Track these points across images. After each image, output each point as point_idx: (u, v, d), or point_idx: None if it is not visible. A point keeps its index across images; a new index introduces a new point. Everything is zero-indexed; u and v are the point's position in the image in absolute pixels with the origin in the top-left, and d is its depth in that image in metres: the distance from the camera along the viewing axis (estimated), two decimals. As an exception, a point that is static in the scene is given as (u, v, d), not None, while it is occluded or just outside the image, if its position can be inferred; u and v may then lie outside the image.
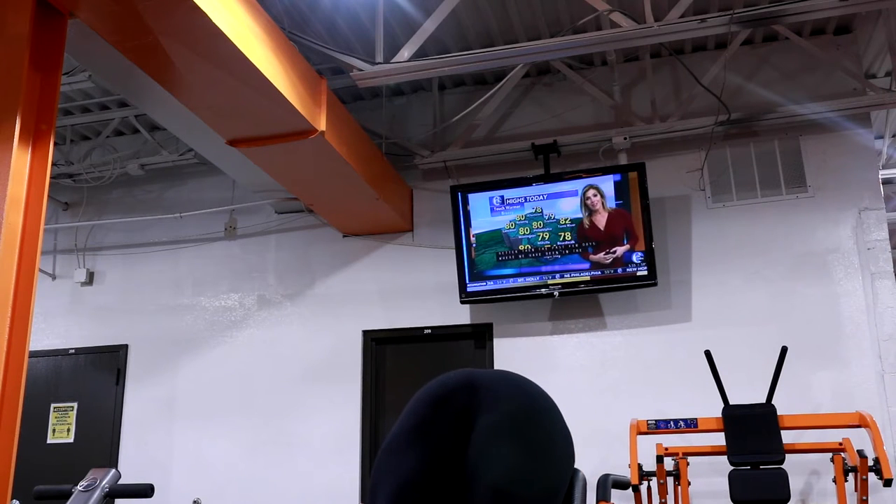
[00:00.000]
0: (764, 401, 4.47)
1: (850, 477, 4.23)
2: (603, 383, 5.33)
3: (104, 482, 2.65)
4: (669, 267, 5.40)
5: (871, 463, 4.10)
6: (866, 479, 4.09)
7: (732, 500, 4.22)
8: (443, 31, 5.16)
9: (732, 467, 4.28)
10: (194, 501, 5.69)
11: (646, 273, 5.12)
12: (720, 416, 4.43)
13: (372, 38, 4.84)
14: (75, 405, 6.29)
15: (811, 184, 5.34)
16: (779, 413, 4.36)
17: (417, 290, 5.83)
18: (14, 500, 3.05)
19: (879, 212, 5.17)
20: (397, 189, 5.78)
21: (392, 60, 4.66)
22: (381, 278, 5.92)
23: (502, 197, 5.43)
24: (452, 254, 5.53)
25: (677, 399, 5.12)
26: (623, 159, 5.47)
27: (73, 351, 6.42)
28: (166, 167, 6.45)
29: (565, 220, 5.30)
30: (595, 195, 5.25)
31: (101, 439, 6.15)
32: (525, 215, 5.37)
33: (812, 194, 5.33)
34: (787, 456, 4.29)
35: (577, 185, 5.31)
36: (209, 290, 6.27)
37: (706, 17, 4.40)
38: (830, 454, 4.32)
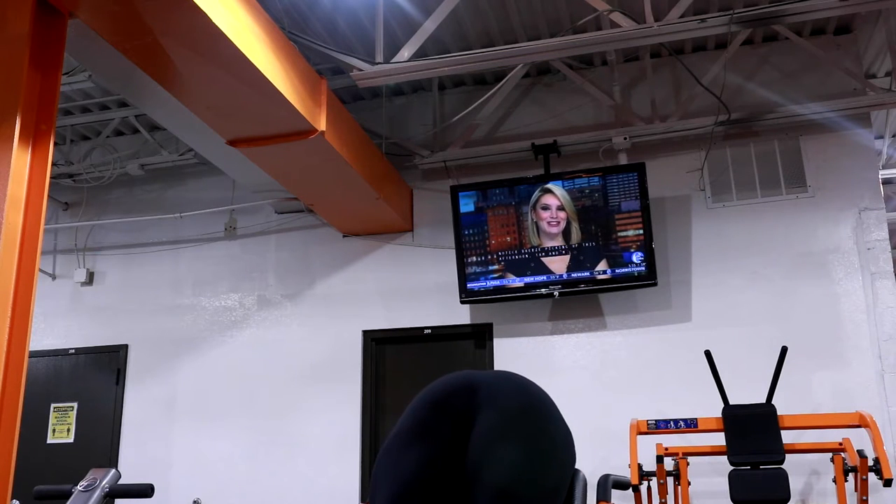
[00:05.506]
0: (764, 401, 4.46)
1: (850, 477, 4.23)
2: (603, 383, 5.33)
3: (104, 482, 2.65)
4: (669, 267, 5.40)
5: (871, 463, 4.10)
6: (866, 479, 4.09)
7: (732, 500, 4.22)
8: (443, 31, 5.16)
9: (732, 467, 4.28)
10: (194, 501, 5.69)
11: (646, 273, 5.12)
12: (720, 416, 4.43)
13: (372, 38, 4.84)
14: (75, 405, 6.29)
15: (811, 184, 5.34)
16: (779, 413, 4.36)
17: (417, 290, 5.83)
18: (14, 501, 3.05)
19: (879, 212, 5.17)
20: (397, 189, 5.78)
21: (392, 60, 4.66)
22: (381, 278, 5.92)
23: (502, 197, 5.43)
24: (452, 254, 5.53)
25: (677, 399, 5.12)
26: (623, 159, 5.47)
27: (73, 351, 6.42)
28: (166, 167, 6.45)
29: (565, 220, 5.29)
30: (590, 195, 5.25)
31: (101, 439, 6.15)
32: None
33: (812, 194, 5.33)
34: (787, 456, 4.29)
35: (577, 185, 5.31)
36: (209, 290, 6.27)
37: (706, 17, 4.40)
38: (830, 454, 4.32)
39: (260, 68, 3.79)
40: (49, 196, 3.02)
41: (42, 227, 2.89)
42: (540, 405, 1.37)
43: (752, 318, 5.20)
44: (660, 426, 4.51)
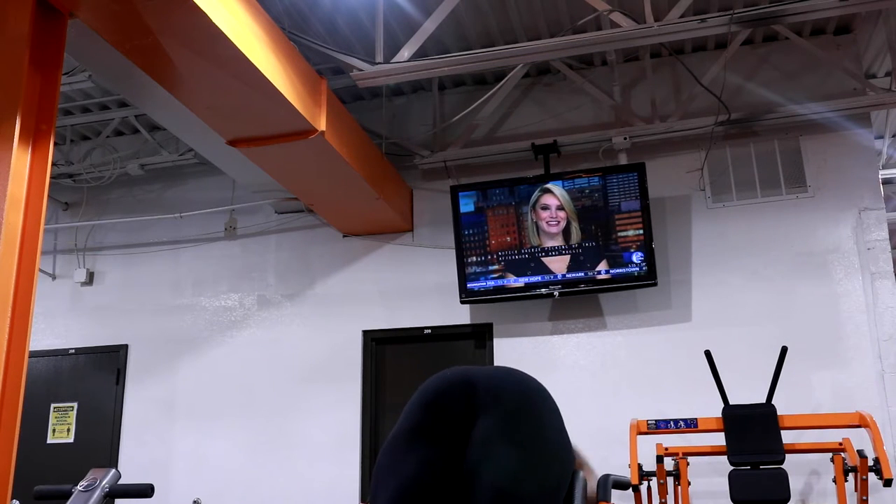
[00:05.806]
0: (764, 401, 4.47)
1: (850, 477, 4.23)
2: (603, 383, 5.33)
3: (104, 482, 2.65)
4: (669, 267, 5.40)
5: (871, 463, 4.10)
6: (866, 479, 4.09)
7: (732, 500, 4.22)
8: (443, 31, 5.15)
9: (732, 467, 4.28)
10: (194, 501, 5.69)
11: (646, 273, 5.11)
12: (720, 416, 4.43)
13: (372, 38, 4.84)
14: (75, 405, 6.29)
15: (811, 184, 5.34)
16: (779, 413, 4.36)
17: (417, 290, 5.82)
18: (14, 501, 3.05)
19: (879, 212, 5.17)
20: (397, 189, 5.78)
21: (392, 60, 4.66)
22: (381, 278, 5.92)
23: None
24: (452, 254, 5.52)
25: (677, 399, 5.12)
26: (623, 159, 5.47)
27: (73, 351, 6.42)
28: (166, 167, 6.45)
29: (565, 220, 5.29)
30: (590, 195, 5.26)
31: (101, 439, 6.15)
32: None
33: (812, 194, 5.33)
34: (787, 456, 4.29)
35: (577, 185, 5.31)
36: (209, 290, 6.27)
37: (706, 17, 4.40)
38: (830, 454, 4.32)
39: (260, 68, 3.79)
40: (49, 196, 3.02)
41: (42, 227, 2.89)
42: (539, 403, 1.36)
43: (752, 318, 5.20)
44: (660, 426, 4.51)
